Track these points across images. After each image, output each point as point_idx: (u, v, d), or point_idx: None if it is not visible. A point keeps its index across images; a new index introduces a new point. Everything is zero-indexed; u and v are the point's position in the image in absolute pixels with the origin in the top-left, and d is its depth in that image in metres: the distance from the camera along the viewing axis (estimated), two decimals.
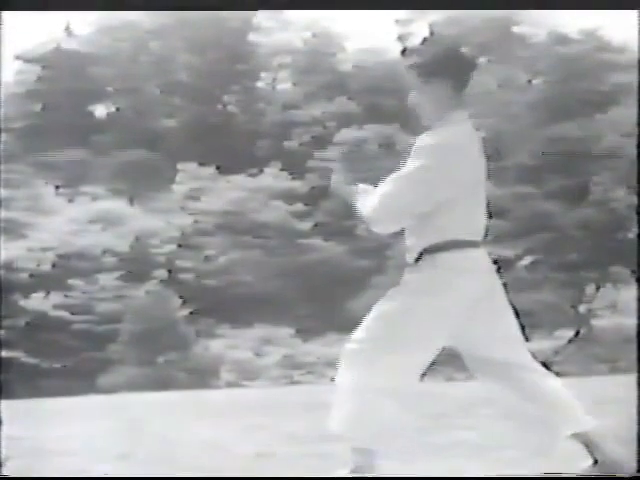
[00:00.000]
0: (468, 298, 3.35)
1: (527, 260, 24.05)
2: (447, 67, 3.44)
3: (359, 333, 3.48)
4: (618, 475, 3.44)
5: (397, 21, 33.76)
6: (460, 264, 3.32)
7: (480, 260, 3.39)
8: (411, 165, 3.36)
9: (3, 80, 33.86)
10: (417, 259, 3.36)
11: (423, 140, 3.42)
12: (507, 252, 23.51)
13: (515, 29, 33.22)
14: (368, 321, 3.48)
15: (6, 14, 4.37)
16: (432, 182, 3.33)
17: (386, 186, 3.38)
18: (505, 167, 26.25)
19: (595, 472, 3.41)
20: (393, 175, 3.41)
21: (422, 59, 3.49)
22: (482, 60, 33.19)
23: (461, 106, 3.51)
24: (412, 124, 33.18)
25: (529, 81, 30.32)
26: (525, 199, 24.17)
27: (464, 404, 5.73)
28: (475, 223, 3.43)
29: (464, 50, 3.57)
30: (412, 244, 3.40)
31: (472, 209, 3.43)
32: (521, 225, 23.76)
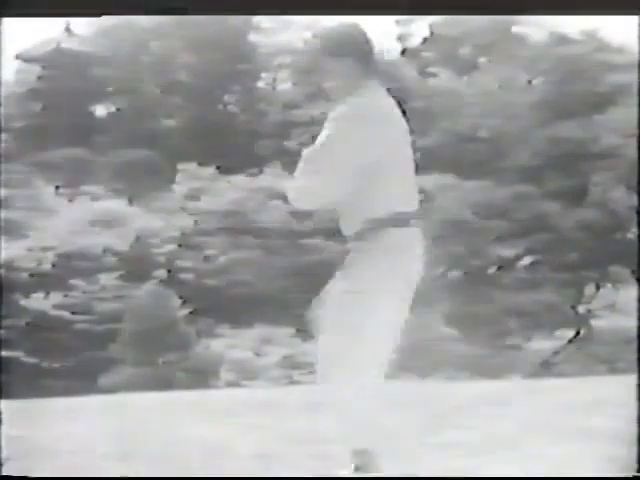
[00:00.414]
0: (413, 280, 3.39)
1: (527, 260, 24.05)
2: (348, 43, 3.51)
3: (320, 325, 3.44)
4: (619, 475, 3.47)
5: (397, 22, 33.77)
6: (402, 243, 3.31)
7: (417, 238, 3.39)
8: (324, 135, 3.36)
9: (3, 80, 33.87)
10: (357, 235, 3.31)
11: (335, 110, 3.41)
12: (507, 252, 23.51)
13: (515, 29, 33.21)
14: (324, 312, 3.42)
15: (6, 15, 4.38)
16: (348, 150, 3.29)
17: (302, 162, 3.36)
18: (505, 167, 26.26)
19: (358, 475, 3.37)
20: (307, 150, 3.38)
21: (325, 38, 3.57)
22: (482, 60, 33.20)
23: (370, 77, 3.52)
24: (413, 124, 33.26)
25: (529, 81, 30.30)
26: (525, 199, 24.16)
27: (464, 404, 5.73)
28: (407, 193, 3.42)
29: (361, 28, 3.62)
30: (347, 217, 3.37)
31: (401, 177, 3.40)
32: (521, 225, 23.75)
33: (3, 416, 4.45)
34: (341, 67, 3.50)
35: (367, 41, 3.58)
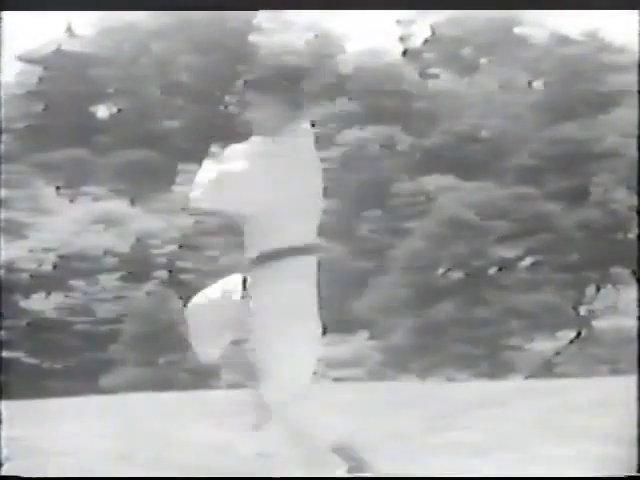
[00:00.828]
0: (311, 302, 3.68)
1: (528, 261, 24.05)
2: (278, 83, 3.63)
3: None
4: (618, 475, 3.47)
5: (398, 22, 33.73)
6: (297, 272, 3.57)
7: (312, 267, 3.64)
8: (239, 164, 3.54)
9: (4, 81, 33.87)
10: (256, 261, 3.54)
11: (256, 143, 3.62)
12: (508, 253, 23.49)
13: (516, 30, 33.20)
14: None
15: (6, 14, 4.37)
16: (260, 183, 3.49)
17: (215, 173, 3.59)
18: (506, 168, 26.25)
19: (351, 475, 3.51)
20: (223, 166, 3.58)
21: (255, 75, 3.73)
22: (483, 61, 33.17)
23: (297, 118, 3.66)
24: (414, 125, 33.22)
25: (530, 82, 30.30)
26: (526, 200, 24.15)
27: (465, 404, 5.73)
28: (308, 228, 3.63)
29: (293, 67, 3.91)
30: (250, 240, 3.58)
31: (304, 213, 3.61)
32: (522, 226, 23.74)
33: (3, 416, 4.45)
34: (269, 103, 3.63)
35: (299, 79, 3.73)
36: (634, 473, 3.38)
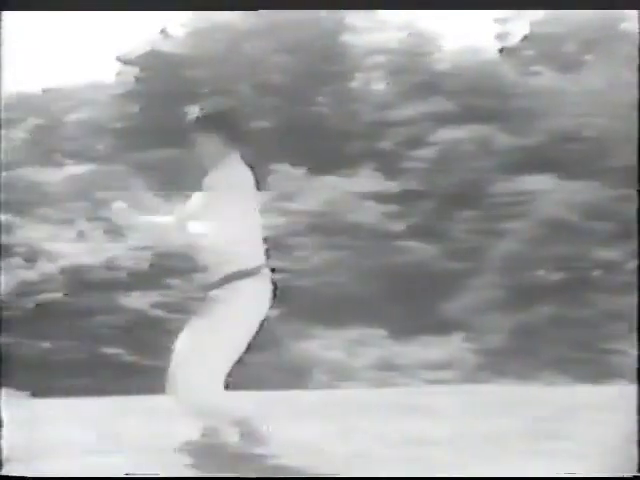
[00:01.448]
0: (256, 322, 4.26)
1: (632, 263, 23.30)
2: (216, 122, 4.18)
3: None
4: (618, 475, 3.47)
5: (496, 20, 33.26)
6: (251, 290, 4.14)
7: (265, 284, 4.23)
8: (195, 201, 4.20)
9: (105, 82, 34.84)
10: (215, 284, 4.13)
11: (204, 182, 4.16)
12: (611, 254, 22.83)
13: (623, 26, 32.16)
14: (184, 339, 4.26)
15: (8, 14, 4.43)
16: (210, 216, 4.08)
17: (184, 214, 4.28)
18: (610, 168, 25.48)
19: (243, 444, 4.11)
20: (188, 207, 4.26)
21: (196, 115, 4.25)
22: (587, 58, 32.27)
23: (233, 151, 4.22)
24: (512, 124, 32.49)
25: (638, 80, 29.34)
26: (630, 200, 23.38)
27: (566, 409, 5.54)
28: (255, 250, 4.20)
29: (234, 106, 4.34)
30: (208, 268, 4.21)
31: (251, 237, 4.18)
32: (626, 227, 23.01)
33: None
34: (210, 141, 4.18)
35: (235, 116, 4.22)
36: (634, 473, 3.27)
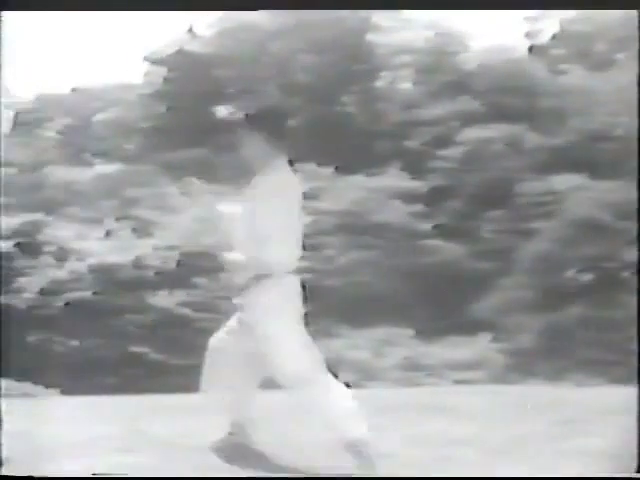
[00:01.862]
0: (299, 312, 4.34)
1: None
2: (260, 121, 4.07)
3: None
4: (619, 475, 3.48)
5: (525, 18, 33.04)
6: (286, 291, 4.20)
7: (296, 286, 4.29)
8: (240, 206, 4.16)
9: (133, 82, 35.04)
10: (249, 282, 4.13)
11: (250, 186, 4.13)
12: None
13: None
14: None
15: (9, 14, 4.45)
16: (252, 221, 4.05)
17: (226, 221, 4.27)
18: None
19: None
20: (230, 212, 4.23)
21: (238, 114, 4.13)
22: (619, 56, 31.93)
23: (279, 154, 4.12)
24: (541, 123, 32.22)
25: (638, 80, 29.04)
26: None
27: (596, 410, 5.48)
28: (291, 254, 4.19)
29: (278, 104, 4.37)
30: (247, 268, 4.18)
31: (289, 241, 4.14)
32: None
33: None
34: (254, 142, 4.08)
35: (282, 117, 4.21)
36: (634, 473, 3.23)
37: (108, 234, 24.68)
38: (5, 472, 3.93)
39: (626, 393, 6.80)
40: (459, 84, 31.29)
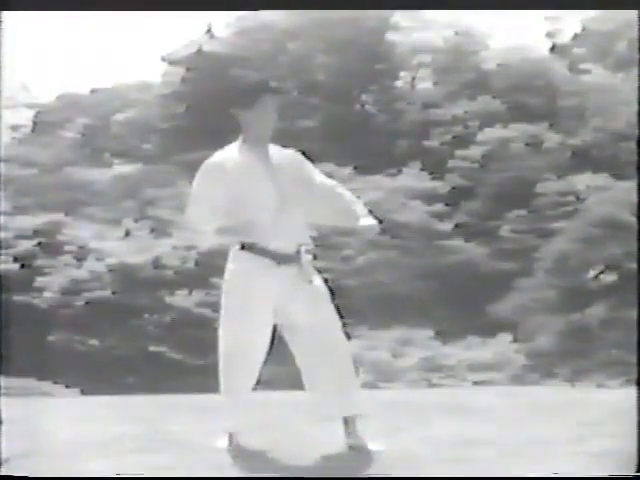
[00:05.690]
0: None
1: None
2: (255, 94, 4.22)
3: None
4: (618, 475, 3.44)
5: (547, 18, 32.89)
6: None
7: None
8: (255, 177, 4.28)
9: (151, 82, 35.16)
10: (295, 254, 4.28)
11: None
12: None
13: None
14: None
15: (8, 14, 4.44)
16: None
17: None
18: None
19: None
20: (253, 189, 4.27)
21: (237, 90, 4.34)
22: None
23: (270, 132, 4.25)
24: (562, 122, 32.03)
25: (638, 80, 28.88)
26: None
27: (617, 412, 5.42)
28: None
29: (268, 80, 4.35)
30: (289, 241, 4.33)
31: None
32: None
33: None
34: (252, 115, 4.28)
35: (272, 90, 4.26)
36: (634, 473, 3.19)
37: (127, 234, 24.78)
38: (5, 472, 3.94)
39: None
40: (479, 84, 31.18)
